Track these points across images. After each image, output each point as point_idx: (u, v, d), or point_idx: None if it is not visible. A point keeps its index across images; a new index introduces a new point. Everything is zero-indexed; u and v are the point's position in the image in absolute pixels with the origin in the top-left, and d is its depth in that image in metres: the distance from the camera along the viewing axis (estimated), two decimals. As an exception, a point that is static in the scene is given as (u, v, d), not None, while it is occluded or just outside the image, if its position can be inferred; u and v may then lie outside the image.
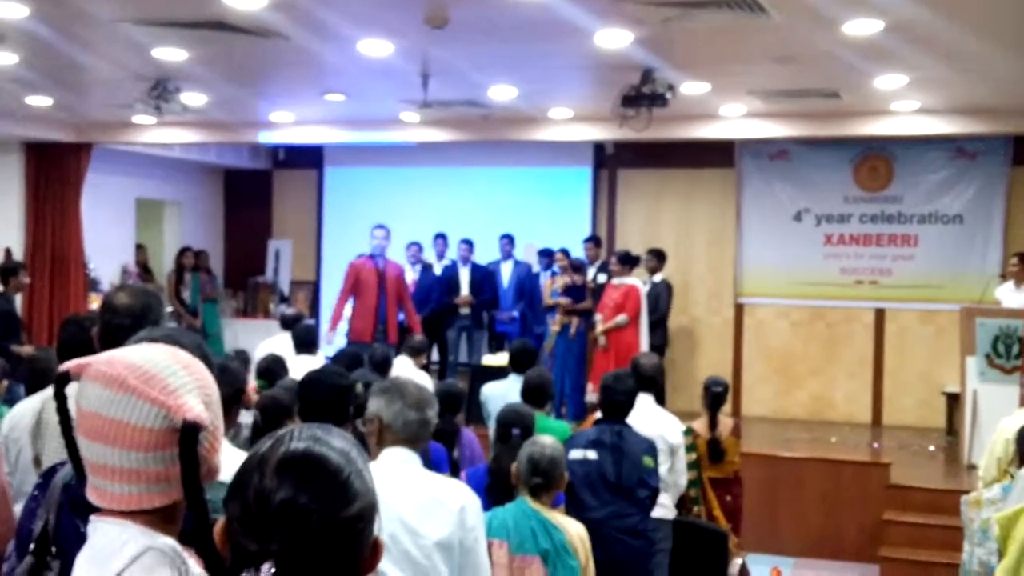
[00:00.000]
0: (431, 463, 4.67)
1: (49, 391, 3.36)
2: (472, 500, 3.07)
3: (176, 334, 2.25)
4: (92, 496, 1.62)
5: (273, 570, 1.31)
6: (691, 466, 6.44)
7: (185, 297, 12.31)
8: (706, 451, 6.58)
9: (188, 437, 1.56)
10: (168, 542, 1.58)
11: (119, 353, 1.65)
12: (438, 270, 11.86)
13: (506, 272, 11.85)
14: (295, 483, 1.34)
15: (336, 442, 1.42)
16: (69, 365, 1.67)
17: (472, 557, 3.02)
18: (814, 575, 8.54)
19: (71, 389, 1.71)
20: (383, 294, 10.29)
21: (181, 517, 1.65)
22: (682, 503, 6.48)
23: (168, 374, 1.61)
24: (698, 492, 6.43)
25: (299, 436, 1.41)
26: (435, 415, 3.14)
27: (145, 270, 12.68)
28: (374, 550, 1.42)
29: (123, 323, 2.71)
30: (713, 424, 6.66)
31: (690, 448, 6.47)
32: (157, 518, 1.61)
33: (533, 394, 5.89)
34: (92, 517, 1.64)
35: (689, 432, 6.55)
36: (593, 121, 9.56)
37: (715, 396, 6.67)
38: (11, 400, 5.54)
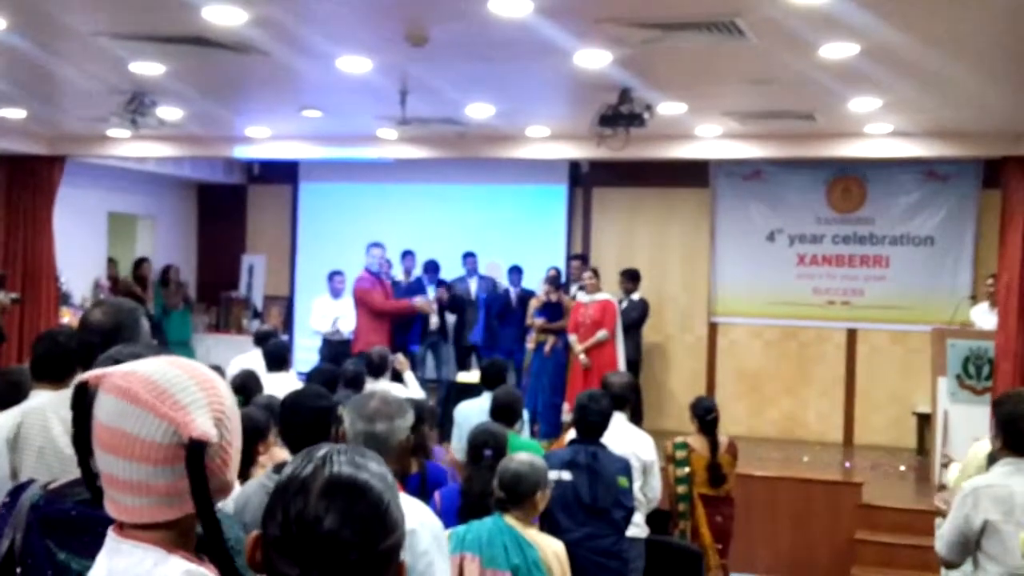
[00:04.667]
0: (427, 481, 4.65)
1: (28, 404, 3.34)
2: (427, 522, 2.98)
3: (140, 352, 2.23)
4: (109, 508, 1.64)
5: None
6: (682, 480, 6.46)
7: (148, 308, 12.22)
8: (706, 474, 6.58)
9: (195, 454, 1.58)
10: (205, 572, 1.60)
11: (137, 366, 1.66)
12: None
13: (472, 288, 11.90)
14: (341, 513, 1.41)
15: (374, 466, 1.50)
16: (88, 376, 1.68)
17: None
18: (787, 594, 8.57)
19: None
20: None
21: (194, 531, 1.66)
22: (669, 517, 6.49)
23: (179, 390, 1.62)
24: (687, 507, 6.45)
25: (341, 460, 1.48)
26: (388, 429, 3.04)
27: (140, 282, 12.56)
28: (399, 571, 1.50)
29: (94, 341, 2.69)
30: (714, 448, 6.66)
31: (683, 462, 6.49)
32: (175, 533, 1.63)
33: (502, 412, 5.85)
34: (111, 533, 1.65)
35: (684, 447, 6.57)
36: (570, 140, 9.59)
37: (710, 422, 6.70)
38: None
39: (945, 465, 6.53)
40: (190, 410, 1.61)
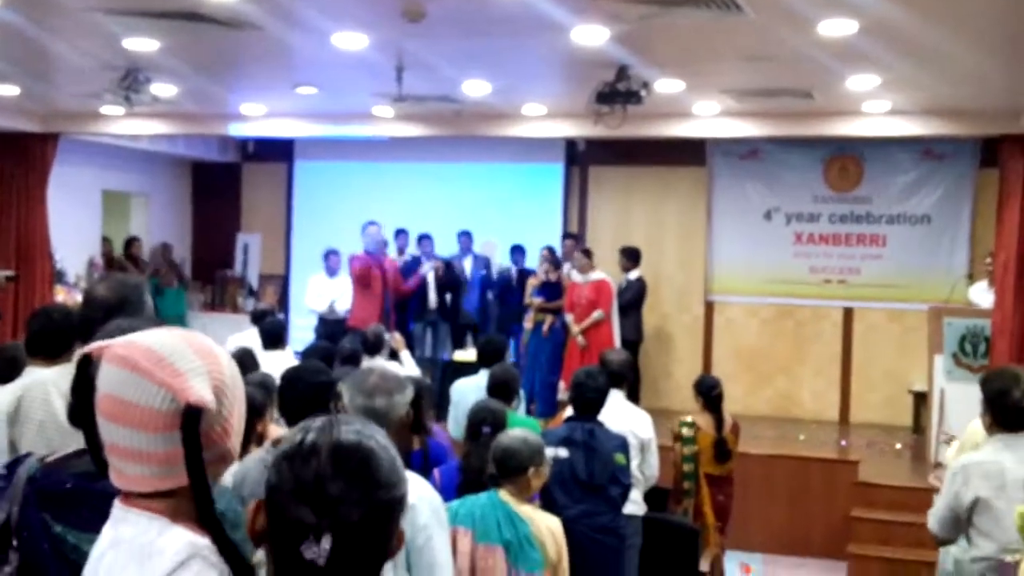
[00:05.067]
0: (429, 458, 4.63)
1: (30, 378, 3.35)
2: (425, 496, 2.99)
3: (140, 325, 2.21)
4: (113, 477, 1.66)
5: (329, 545, 1.44)
6: (688, 459, 6.48)
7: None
8: (712, 451, 6.60)
9: (190, 419, 1.59)
10: (208, 545, 1.60)
11: (137, 336, 1.67)
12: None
13: (467, 268, 11.88)
14: (347, 474, 1.48)
15: (375, 432, 1.57)
16: (91, 347, 1.69)
17: (425, 556, 2.93)
18: (783, 571, 8.60)
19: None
20: (387, 288, 10.43)
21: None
22: (668, 495, 6.50)
23: (177, 357, 1.63)
24: (692, 485, 6.47)
25: (345, 427, 1.54)
26: (388, 404, 3.03)
27: (132, 260, 12.54)
28: (400, 537, 1.56)
29: (96, 316, 2.68)
30: (720, 424, 6.69)
31: (690, 440, 6.52)
32: (179, 502, 1.63)
33: (499, 390, 5.82)
34: (117, 503, 1.65)
35: (692, 425, 6.59)
36: (566, 118, 9.56)
37: (716, 398, 6.74)
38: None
39: (947, 442, 6.54)
40: (188, 376, 1.61)
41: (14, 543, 2.01)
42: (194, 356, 1.65)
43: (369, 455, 1.50)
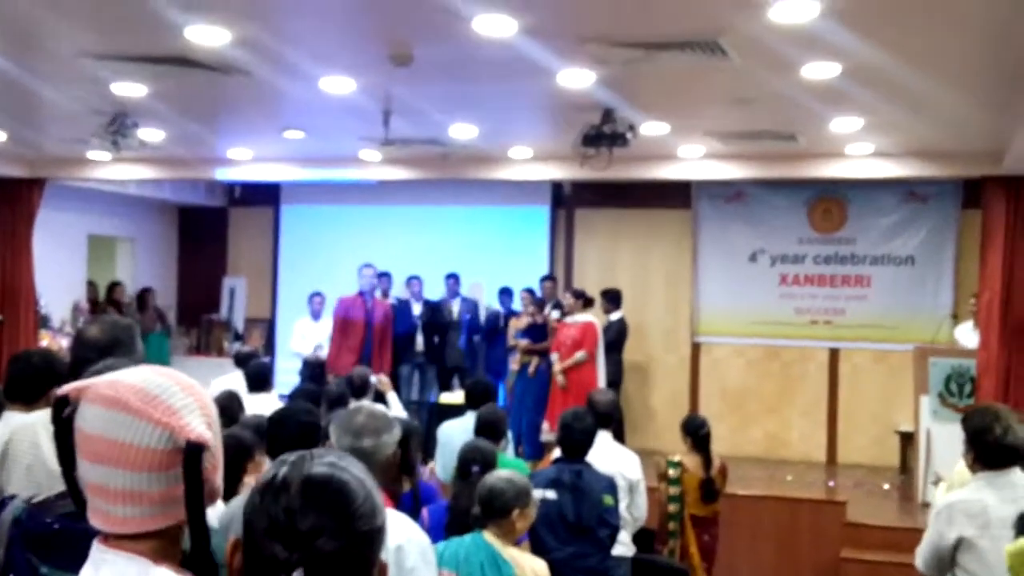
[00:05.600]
0: (419, 498, 4.61)
1: (17, 421, 3.33)
2: (414, 537, 2.96)
3: (129, 365, 2.22)
4: (95, 520, 1.63)
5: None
6: (674, 499, 6.45)
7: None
8: (698, 492, 6.59)
9: (192, 457, 1.58)
10: None
11: (119, 375, 1.65)
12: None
13: (455, 311, 11.88)
14: (317, 508, 1.45)
15: (349, 465, 1.53)
16: (67, 388, 1.66)
17: None
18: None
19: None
20: (370, 332, 10.35)
21: (180, 543, 1.65)
22: (658, 536, 6.47)
23: (169, 395, 1.62)
24: (677, 526, 6.44)
25: (318, 460, 1.51)
26: (375, 444, 3.03)
27: (114, 305, 12.49)
28: (383, 570, 1.54)
29: (88, 356, 2.68)
30: (708, 464, 6.68)
31: (675, 481, 6.50)
32: (161, 543, 1.61)
33: (487, 430, 5.80)
34: (97, 544, 1.63)
35: (679, 465, 6.57)
36: (553, 160, 9.61)
37: (703, 438, 6.73)
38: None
39: (935, 483, 6.55)
40: (183, 414, 1.61)
41: None
42: (183, 393, 1.64)
43: (341, 487, 1.48)
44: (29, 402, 3.46)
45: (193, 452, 1.58)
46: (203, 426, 1.62)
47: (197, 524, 1.58)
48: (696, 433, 6.75)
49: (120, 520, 1.60)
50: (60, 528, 2.00)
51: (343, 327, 10.42)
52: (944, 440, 8.65)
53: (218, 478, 1.69)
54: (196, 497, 1.58)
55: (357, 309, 10.44)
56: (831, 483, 10.30)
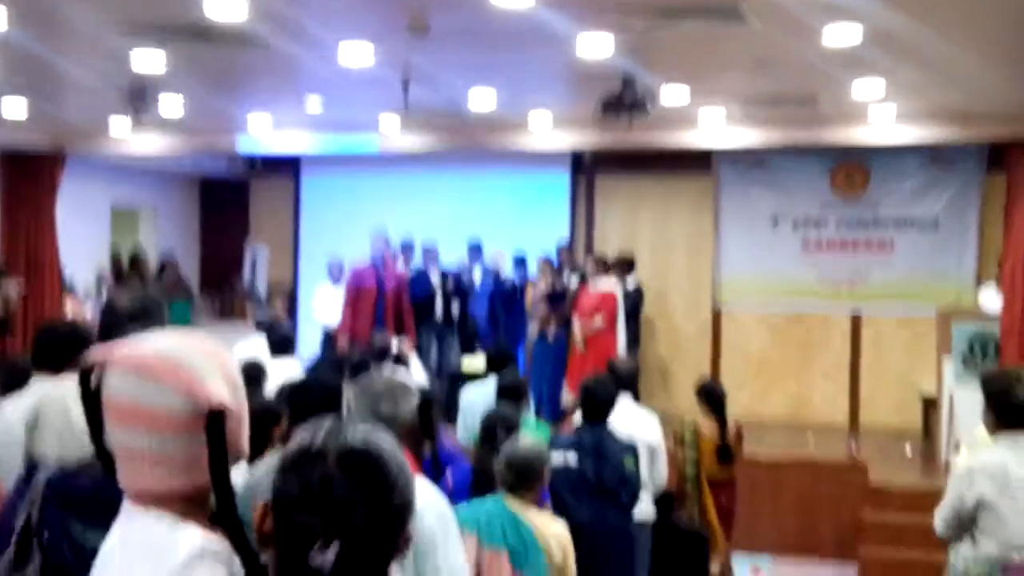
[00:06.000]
0: (440, 462, 4.64)
1: (47, 387, 3.40)
2: (431, 501, 2.94)
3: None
4: (124, 481, 1.67)
5: (338, 550, 1.43)
6: (690, 462, 6.50)
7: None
8: (714, 456, 6.63)
9: (215, 421, 1.61)
10: (220, 541, 1.62)
11: (144, 342, 1.69)
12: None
13: (476, 278, 11.90)
14: (354, 478, 1.48)
15: (382, 436, 1.56)
16: (95, 354, 1.70)
17: (430, 561, 2.87)
18: (793, 573, 8.60)
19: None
20: (382, 300, 10.37)
21: (208, 503, 1.68)
22: (677, 499, 6.51)
23: (192, 360, 1.65)
24: (694, 489, 6.48)
25: (353, 429, 1.54)
26: (394, 411, 3.04)
27: (138, 275, 12.58)
28: (407, 538, 1.55)
29: (117, 322, 2.74)
30: (723, 427, 6.72)
31: (693, 445, 6.53)
32: (188, 503, 1.65)
33: (510, 393, 5.84)
34: (126, 505, 1.67)
35: (694, 430, 6.62)
36: (572, 128, 9.57)
37: (718, 401, 6.75)
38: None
39: (957, 449, 6.56)
40: (206, 379, 1.64)
41: (34, 543, 2.05)
42: (206, 358, 1.68)
43: (378, 460, 1.50)
44: (57, 368, 3.53)
45: (215, 417, 1.61)
46: (225, 390, 1.65)
47: (222, 487, 1.61)
48: (710, 397, 6.78)
49: (146, 480, 1.64)
50: (92, 488, 2.06)
51: (356, 295, 10.43)
52: (967, 404, 8.61)
53: (243, 441, 1.72)
54: (220, 461, 1.61)
55: (369, 278, 10.43)
56: (853, 447, 10.30)
